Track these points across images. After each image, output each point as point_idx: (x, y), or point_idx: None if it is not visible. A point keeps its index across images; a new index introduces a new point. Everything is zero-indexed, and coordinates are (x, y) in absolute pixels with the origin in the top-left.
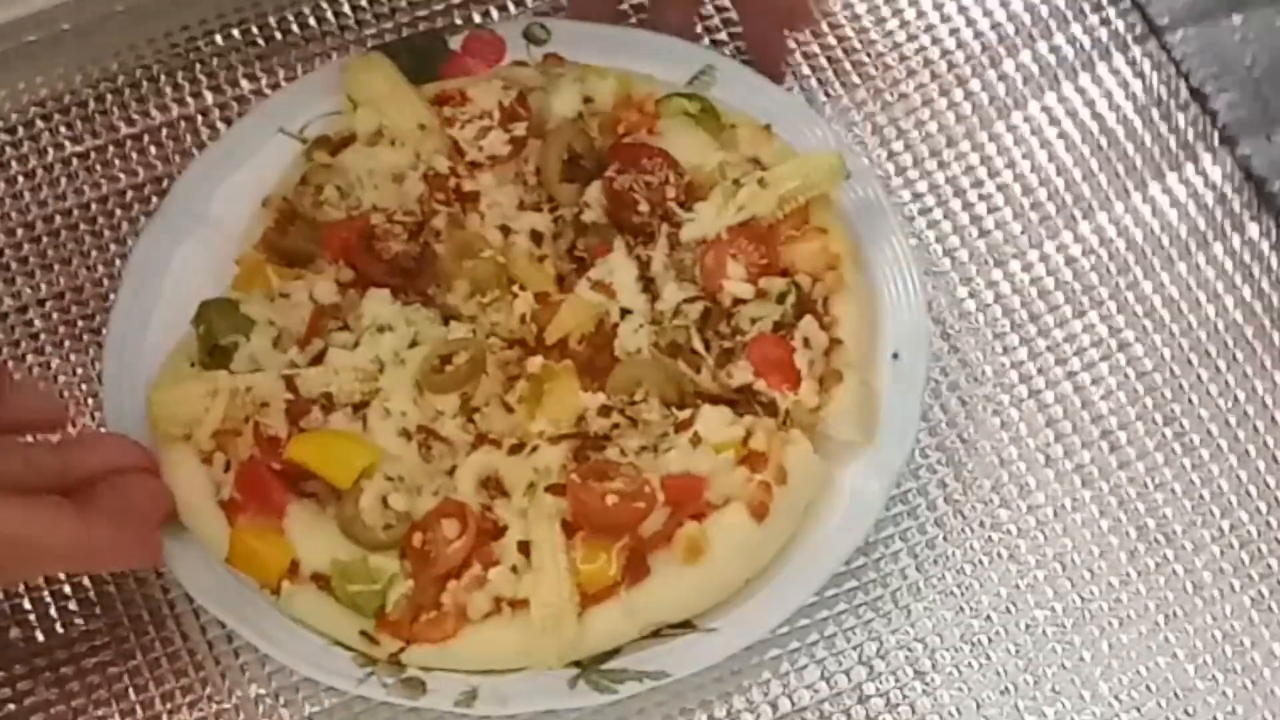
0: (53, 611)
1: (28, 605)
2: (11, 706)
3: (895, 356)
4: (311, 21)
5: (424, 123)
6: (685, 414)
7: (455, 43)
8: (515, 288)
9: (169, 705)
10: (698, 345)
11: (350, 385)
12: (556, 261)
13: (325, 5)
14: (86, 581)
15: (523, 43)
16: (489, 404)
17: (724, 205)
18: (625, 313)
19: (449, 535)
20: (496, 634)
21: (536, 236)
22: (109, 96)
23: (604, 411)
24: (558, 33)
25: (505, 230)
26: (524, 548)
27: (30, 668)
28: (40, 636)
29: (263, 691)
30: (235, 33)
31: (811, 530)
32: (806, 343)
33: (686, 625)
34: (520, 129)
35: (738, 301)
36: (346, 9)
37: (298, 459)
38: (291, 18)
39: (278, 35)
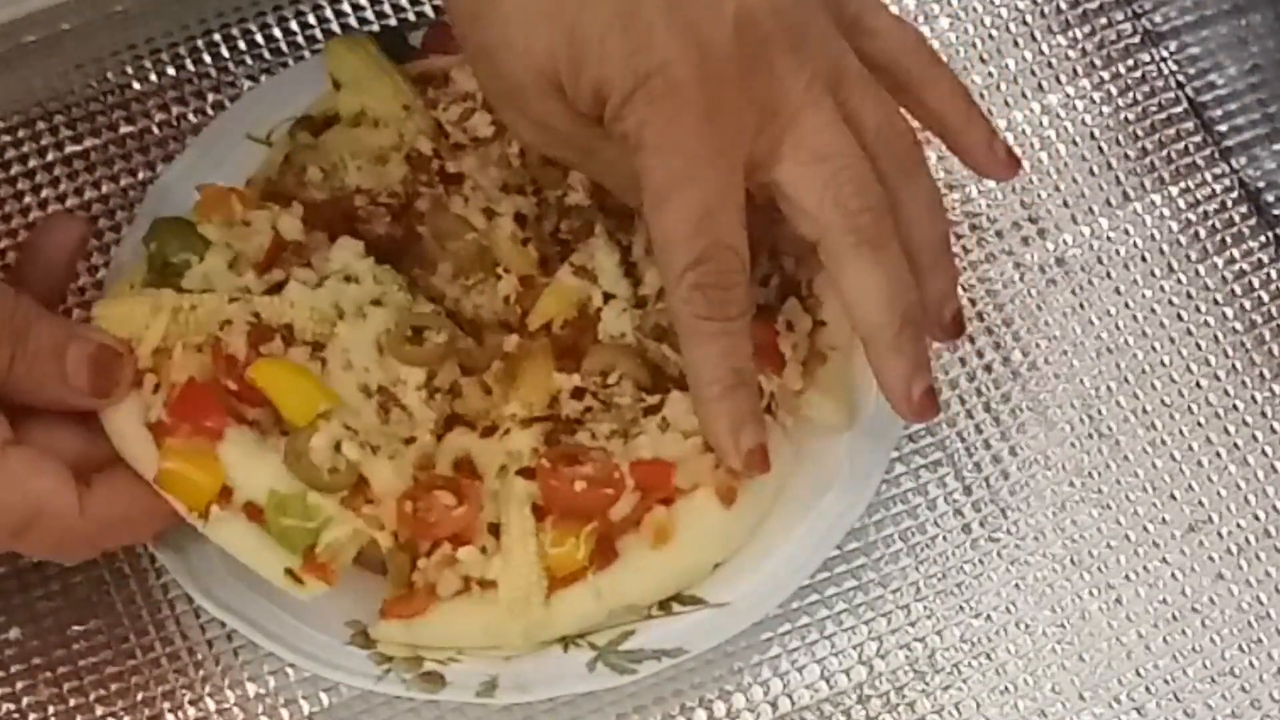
0: (52, 611)
1: (27, 605)
2: (10, 706)
3: None
4: (311, 20)
5: (407, 104)
6: (655, 398)
7: (416, 39)
8: (499, 270)
9: (169, 705)
10: None
11: (305, 322)
12: (540, 244)
13: (325, 4)
14: (86, 582)
15: None
16: (469, 386)
17: None
18: (608, 297)
19: (447, 504)
20: (465, 613)
21: (520, 219)
22: (109, 96)
23: (577, 394)
24: None
25: (489, 213)
26: (494, 529)
27: (30, 667)
28: (40, 636)
29: (262, 691)
30: (235, 33)
31: (815, 500)
32: (790, 326)
33: (698, 602)
34: None
35: None
36: (346, 7)
37: (260, 383)
38: (291, 17)
39: (277, 34)
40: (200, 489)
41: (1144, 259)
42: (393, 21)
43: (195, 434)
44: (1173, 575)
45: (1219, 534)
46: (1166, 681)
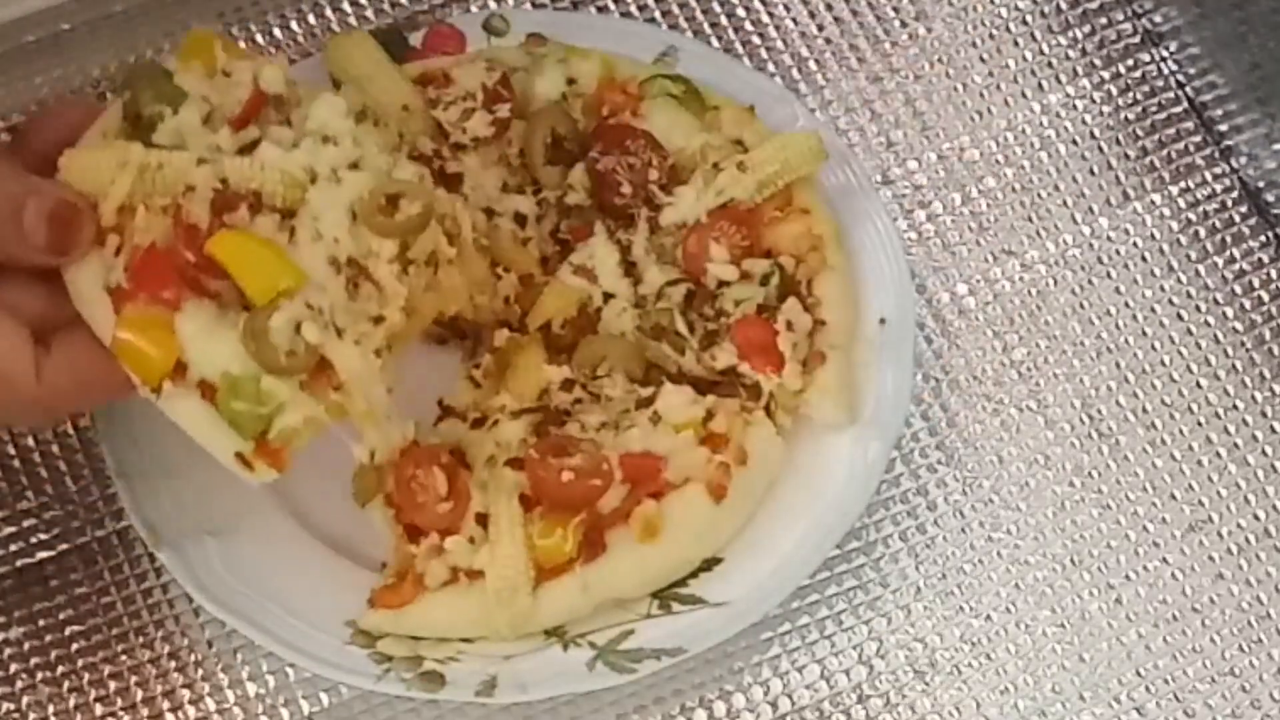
0: (52, 611)
1: (27, 605)
2: (10, 706)
3: (882, 322)
4: (311, 19)
5: (408, 103)
6: (648, 391)
7: (416, 39)
8: (499, 269)
9: (169, 704)
10: (681, 328)
11: (274, 186)
12: (540, 244)
13: (325, 4)
14: (86, 582)
15: (483, 36)
16: (460, 384)
17: (704, 189)
18: (608, 297)
19: (440, 491)
20: (452, 603)
21: (520, 219)
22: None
23: (567, 386)
24: (517, 24)
25: (490, 213)
26: (482, 519)
27: (29, 667)
28: (40, 636)
29: (263, 691)
30: (235, 32)
31: (815, 499)
32: (790, 325)
33: (698, 602)
34: (504, 110)
35: (722, 284)
36: (347, 7)
37: (219, 256)
38: (292, 16)
39: (277, 34)
40: (154, 363)
41: (1144, 259)
42: (391, 19)
43: (152, 303)
44: (1173, 575)
45: (1219, 534)
46: (1166, 681)
